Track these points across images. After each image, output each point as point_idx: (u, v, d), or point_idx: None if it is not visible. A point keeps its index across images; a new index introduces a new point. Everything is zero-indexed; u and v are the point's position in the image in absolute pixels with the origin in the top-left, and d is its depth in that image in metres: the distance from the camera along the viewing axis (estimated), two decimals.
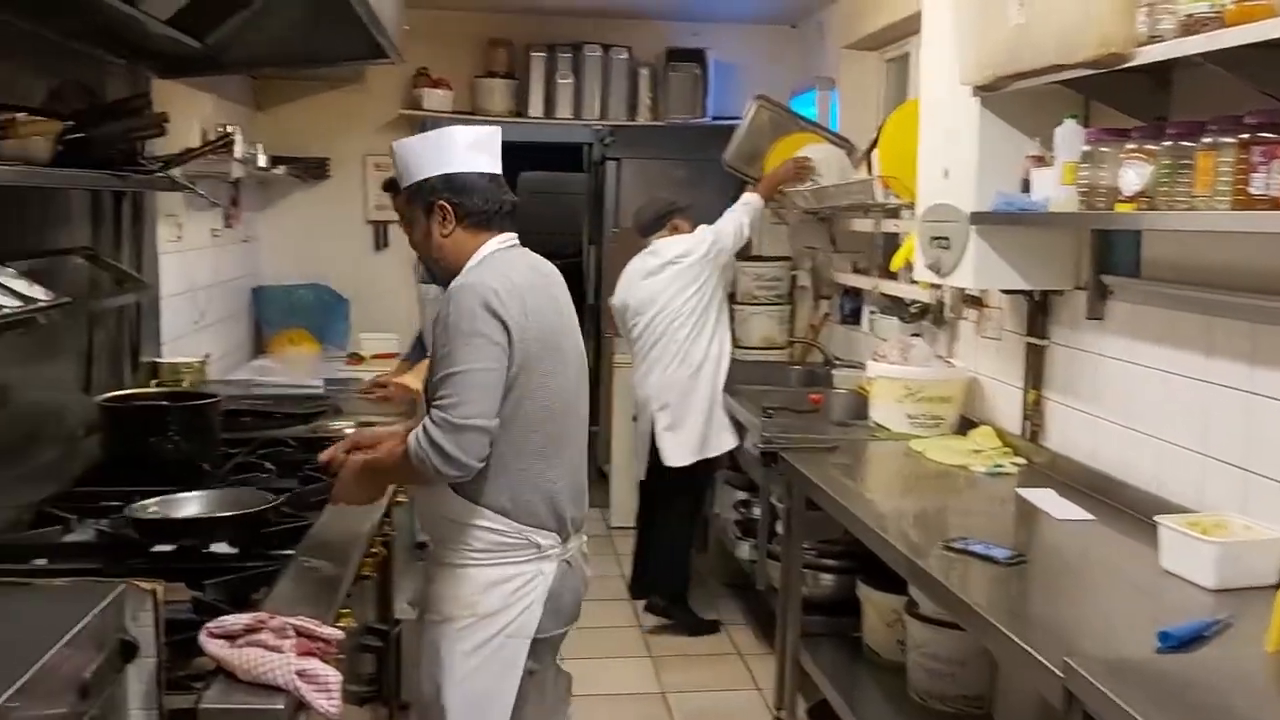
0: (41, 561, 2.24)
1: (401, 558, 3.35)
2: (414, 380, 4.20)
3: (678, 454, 4.52)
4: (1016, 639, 2.00)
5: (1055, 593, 2.36)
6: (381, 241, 6.15)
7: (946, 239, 3.28)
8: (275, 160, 5.27)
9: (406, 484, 2.37)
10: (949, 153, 3.31)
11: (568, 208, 8.14)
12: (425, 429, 2.17)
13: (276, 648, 1.66)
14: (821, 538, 3.79)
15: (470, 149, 2.33)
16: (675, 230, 4.65)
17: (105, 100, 2.94)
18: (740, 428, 4.42)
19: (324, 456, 2.51)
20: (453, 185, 2.31)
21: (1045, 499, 2.96)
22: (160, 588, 1.55)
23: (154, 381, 3.65)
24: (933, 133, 3.48)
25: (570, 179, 8.39)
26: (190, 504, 2.48)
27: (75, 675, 1.36)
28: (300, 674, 1.64)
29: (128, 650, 1.50)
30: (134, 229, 3.72)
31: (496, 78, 5.94)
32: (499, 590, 2.29)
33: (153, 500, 2.45)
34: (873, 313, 4.87)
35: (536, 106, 5.96)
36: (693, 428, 4.52)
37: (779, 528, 3.90)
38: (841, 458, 3.51)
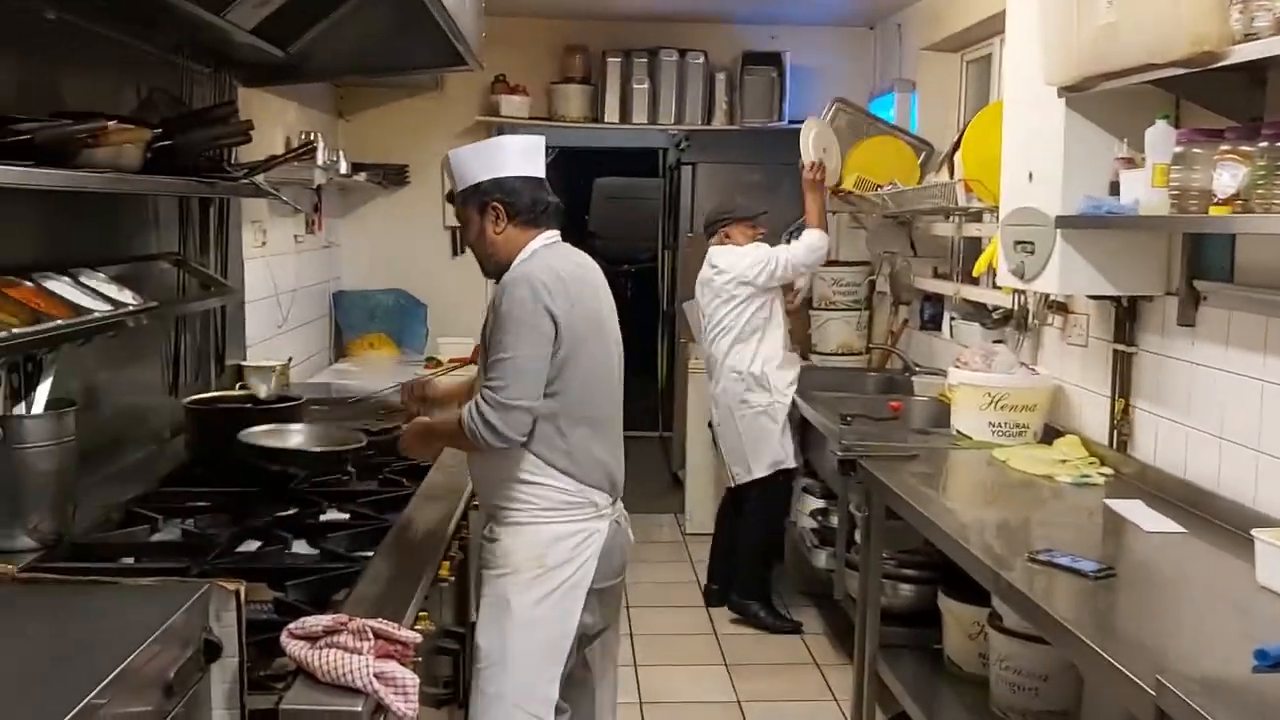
0: (129, 560, 2.29)
1: (477, 562, 3.36)
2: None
3: (742, 471, 4.65)
4: (1106, 655, 1.94)
5: (1145, 608, 2.29)
6: (459, 248, 6.19)
7: (1031, 243, 3.21)
8: (356, 167, 5.34)
9: (458, 448, 2.68)
10: (1034, 155, 3.24)
11: (644, 213, 8.13)
12: (477, 405, 2.45)
13: (356, 650, 1.67)
14: (901, 547, 3.73)
15: (518, 156, 2.61)
16: (725, 239, 4.66)
17: (193, 109, 2.98)
18: (814, 435, 4.38)
19: (402, 394, 3.07)
20: (503, 188, 2.58)
21: (1134, 510, 2.88)
22: (243, 588, 1.57)
23: (239, 385, 3.71)
24: (1016, 135, 3.41)
25: (646, 184, 8.40)
26: (293, 436, 2.92)
27: (161, 673, 1.38)
28: (378, 676, 1.65)
29: (211, 650, 1.52)
30: (220, 235, 3.78)
31: (573, 83, 5.96)
32: (563, 545, 2.55)
33: (261, 429, 2.84)
34: (953, 318, 4.78)
35: (612, 111, 5.97)
36: (739, 443, 4.63)
37: (857, 536, 3.84)
38: (922, 466, 3.45)
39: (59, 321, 2.23)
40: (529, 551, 2.54)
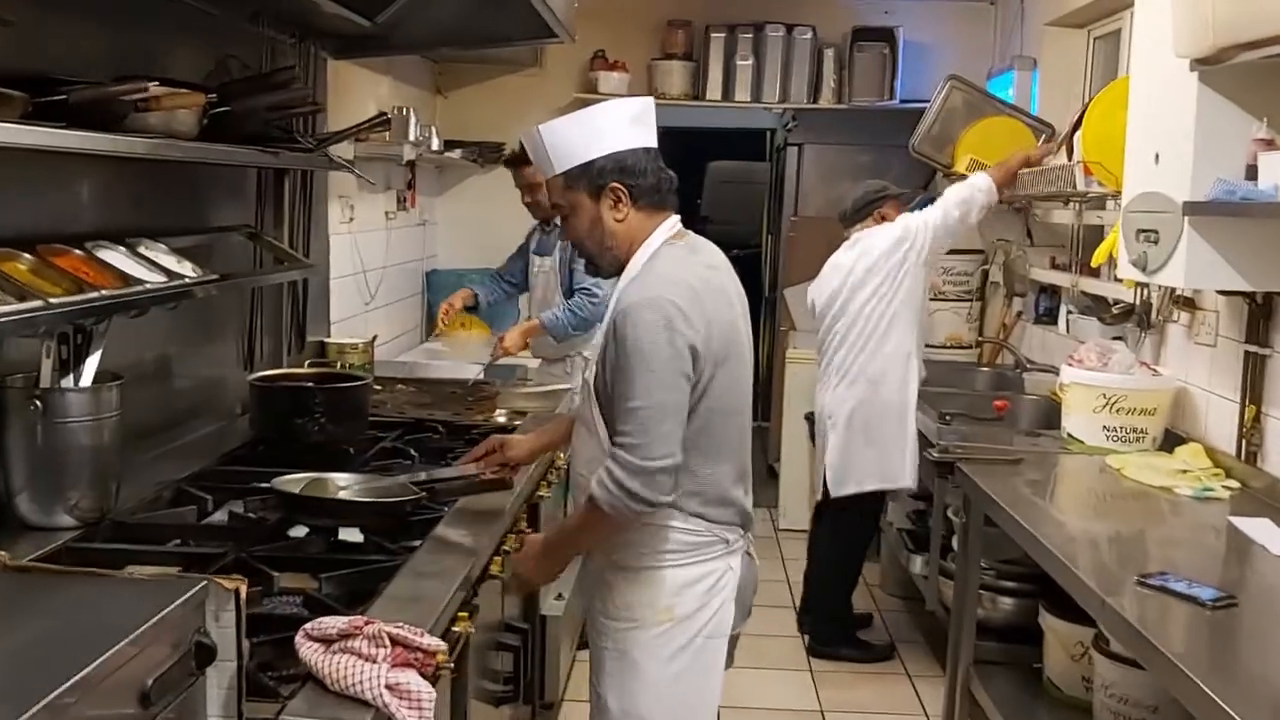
0: (175, 542, 2.20)
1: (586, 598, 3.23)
2: (513, 340, 4.31)
3: (842, 481, 4.06)
4: (1218, 699, 1.70)
5: (1270, 642, 2.03)
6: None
7: (1155, 232, 2.92)
8: (449, 144, 5.25)
9: (596, 543, 2.24)
10: (1161, 135, 2.94)
11: (755, 197, 7.97)
12: (612, 474, 2.04)
13: (370, 656, 1.54)
14: (1000, 556, 3.48)
15: (632, 123, 2.17)
16: (882, 219, 4.09)
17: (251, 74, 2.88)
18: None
19: (481, 462, 2.49)
20: (623, 165, 2.15)
21: (1262, 530, 2.59)
22: (243, 586, 1.44)
23: (307, 362, 3.63)
24: (1143, 113, 3.11)
25: (757, 168, 8.22)
26: (335, 485, 2.43)
27: (135, 680, 1.25)
28: (392, 687, 1.51)
29: (204, 653, 1.39)
30: (302, 208, 3.72)
31: (674, 59, 5.78)
32: (694, 590, 2.20)
33: (300, 476, 2.41)
34: (1070, 312, 4.48)
35: (715, 89, 5.77)
36: (863, 454, 4.02)
37: (954, 543, 3.60)
38: (1027, 471, 3.19)
39: (103, 292, 2.14)
40: (655, 601, 2.18)
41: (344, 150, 4.34)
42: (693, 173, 9.27)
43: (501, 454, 2.47)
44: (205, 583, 1.43)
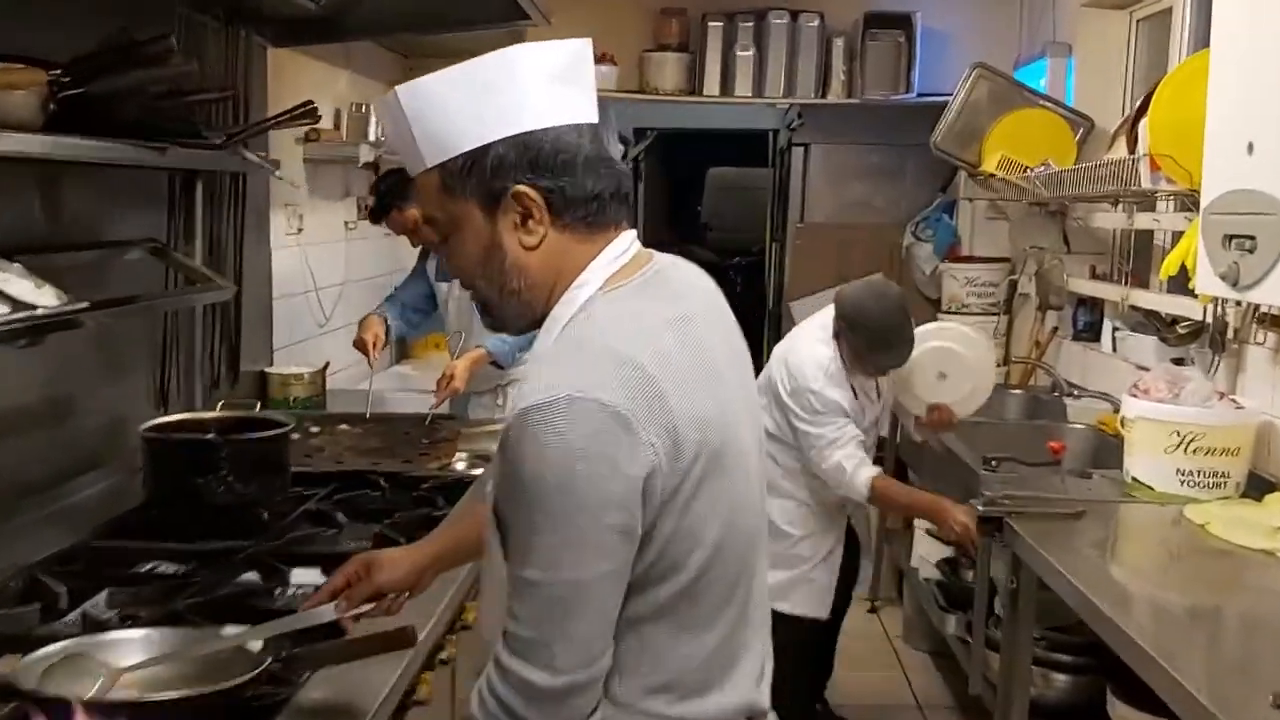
0: None
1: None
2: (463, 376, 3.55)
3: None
4: None
5: None
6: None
7: (1250, 238, 2.38)
8: None
9: None
10: (1256, 120, 2.41)
11: (756, 203, 7.58)
12: (495, 692, 1.26)
13: None
14: (1054, 623, 2.94)
15: (557, 84, 1.32)
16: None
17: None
18: (942, 465, 3.55)
19: (329, 593, 1.61)
20: (538, 155, 1.31)
21: None
22: None
23: (220, 404, 3.08)
24: (1229, 95, 2.56)
25: (759, 174, 7.82)
26: (114, 663, 1.51)
27: None
28: None
29: None
30: (230, 218, 3.18)
31: (668, 51, 5.25)
32: None
33: (60, 648, 1.53)
34: (1117, 329, 3.94)
35: (712, 83, 5.24)
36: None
37: (997, 605, 3.06)
38: (1089, 527, 2.65)
39: None
40: None
41: (290, 152, 3.84)
42: (701, 184, 8.93)
43: (369, 582, 1.59)
44: None
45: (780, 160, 5.99)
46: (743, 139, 7.73)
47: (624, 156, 7.20)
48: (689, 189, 8.93)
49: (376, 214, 3.82)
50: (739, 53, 5.19)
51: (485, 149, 1.31)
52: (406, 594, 1.64)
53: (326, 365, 3.85)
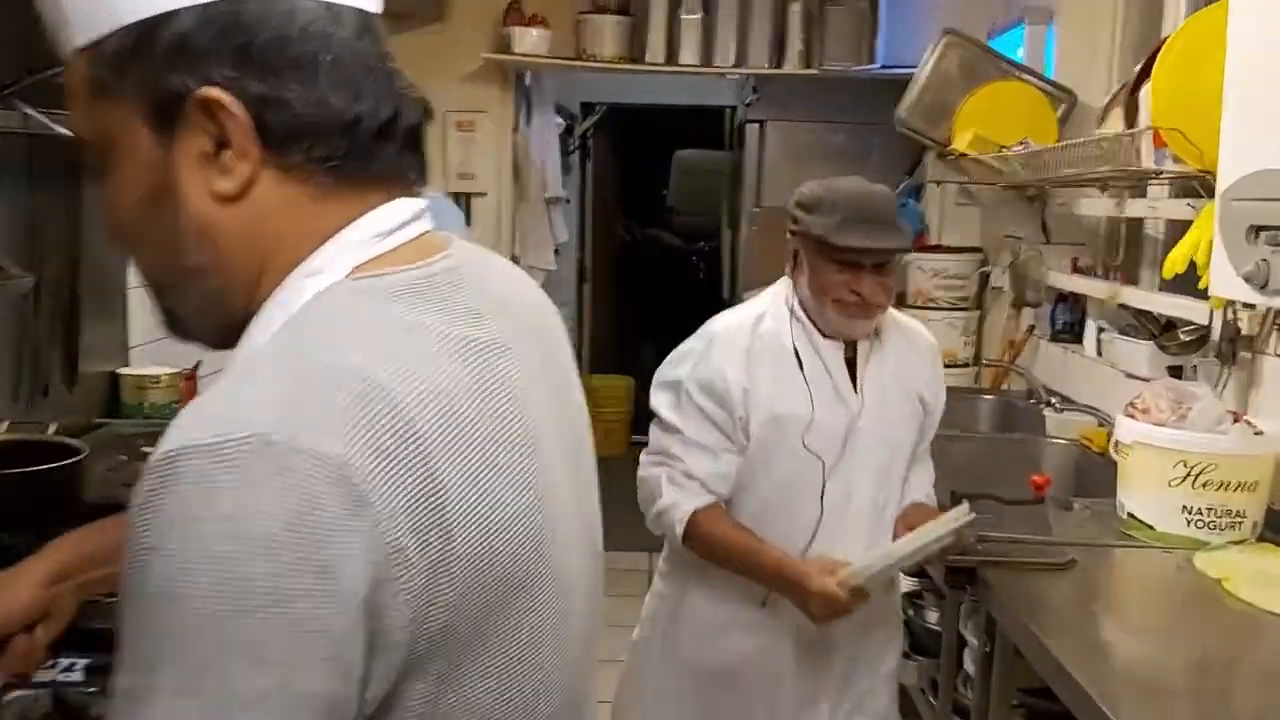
0: None
1: None
2: None
3: None
4: None
5: None
6: (468, 218, 5.05)
7: None
8: None
9: None
10: None
11: (722, 186, 7.27)
12: None
13: None
14: (1031, 683, 2.47)
15: None
16: None
17: None
18: None
19: None
20: (250, 42, 0.78)
21: None
22: None
23: (5, 424, 2.54)
24: (1250, 57, 2.10)
25: (724, 157, 7.51)
26: None
27: None
28: None
29: None
30: (48, 191, 2.67)
31: (607, 14, 4.76)
32: None
33: None
34: (1102, 329, 3.49)
35: (656, 51, 4.75)
36: None
37: (968, 663, 2.59)
38: (1077, 578, 2.19)
39: None
40: None
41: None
42: (667, 167, 8.61)
43: None
44: None
45: (737, 139, 5.59)
46: (701, 115, 7.37)
47: (568, 132, 6.72)
48: (645, 169, 8.49)
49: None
50: (685, 16, 4.72)
51: (161, 20, 0.78)
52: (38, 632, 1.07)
53: (198, 365, 3.32)
